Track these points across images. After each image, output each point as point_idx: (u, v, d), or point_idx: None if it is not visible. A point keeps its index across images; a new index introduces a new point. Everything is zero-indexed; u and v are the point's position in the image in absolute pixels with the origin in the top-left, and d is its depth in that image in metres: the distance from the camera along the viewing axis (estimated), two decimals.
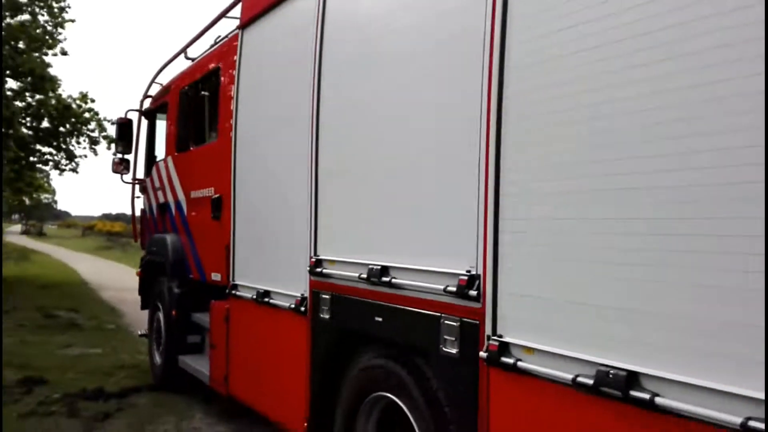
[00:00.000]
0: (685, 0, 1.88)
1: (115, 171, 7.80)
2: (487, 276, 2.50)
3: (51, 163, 20.85)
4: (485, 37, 2.55)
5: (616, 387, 1.95)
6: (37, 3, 17.58)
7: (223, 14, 5.62)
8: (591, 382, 2.03)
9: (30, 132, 19.14)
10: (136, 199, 8.02)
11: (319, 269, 3.69)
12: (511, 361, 2.35)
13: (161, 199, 7.05)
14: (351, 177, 3.51)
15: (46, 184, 36.58)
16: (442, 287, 2.70)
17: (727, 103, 1.76)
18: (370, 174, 3.35)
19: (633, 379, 1.94)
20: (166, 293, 6.56)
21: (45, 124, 19.45)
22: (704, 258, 1.80)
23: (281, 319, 4.15)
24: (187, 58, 6.68)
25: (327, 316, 3.68)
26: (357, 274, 3.31)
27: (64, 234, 62.49)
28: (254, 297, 4.48)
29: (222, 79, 5.56)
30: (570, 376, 2.11)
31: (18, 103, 17.89)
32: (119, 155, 7.85)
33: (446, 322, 2.72)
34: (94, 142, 20.50)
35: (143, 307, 7.62)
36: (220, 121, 5.51)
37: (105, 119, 20.32)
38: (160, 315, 6.84)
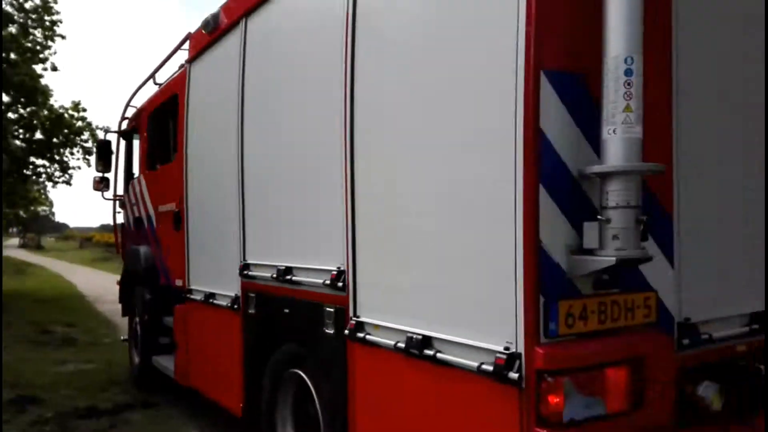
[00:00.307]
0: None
1: (95, 189, 8.54)
2: (349, 271, 3.32)
3: (44, 175, 20.67)
4: (342, 73, 3.29)
5: (416, 348, 2.75)
6: (29, 16, 17.44)
7: (177, 48, 6.21)
8: (403, 345, 2.86)
9: (23, 144, 18.97)
10: (117, 214, 8.72)
11: (246, 272, 4.46)
12: (362, 335, 3.20)
13: (136, 214, 7.64)
14: (262, 191, 4.33)
15: (42, 197, 36.47)
16: (321, 281, 3.52)
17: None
18: (273, 189, 4.16)
19: (426, 341, 2.73)
20: (140, 300, 7.11)
21: (38, 135, 19.29)
22: (464, 252, 2.53)
23: (222, 317, 4.89)
24: (155, 83, 7.26)
25: (253, 311, 4.44)
26: (270, 275, 4.10)
27: (62, 246, 62.30)
28: (203, 299, 5.24)
29: (178, 105, 6.00)
30: (392, 343, 2.95)
31: (10, 115, 17.74)
32: (99, 174, 8.55)
33: (326, 308, 3.52)
34: (87, 152, 20.32)
35: (124, 314, 8.29)
36: (178, 142, 5.98)
37: (98, 128, 20.14)
38: (137, 320, 7.45)
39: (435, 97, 2.69)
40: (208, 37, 5.12)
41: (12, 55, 16.39)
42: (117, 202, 8.61)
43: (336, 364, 3.44)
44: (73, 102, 20.24)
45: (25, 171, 19.80)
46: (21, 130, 18.84)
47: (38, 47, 17.74)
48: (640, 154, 2.22)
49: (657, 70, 2.44)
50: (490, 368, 2.32)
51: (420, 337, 2.74)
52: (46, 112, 18.84)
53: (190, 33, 5.84)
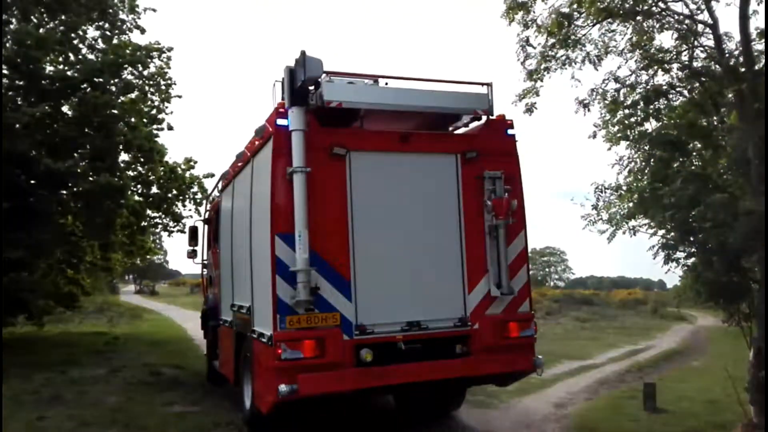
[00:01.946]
0: None
1: (188, 257, 12.56)
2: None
3: (160, 226, 21.84)
4: None
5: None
6: (146, 82, 18.83)
7: (214, 188, 11.70)
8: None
9: (141, 199, 20.25)
10: (204, 271, 12.46)
11: (233, 306, 8.50)
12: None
13: (210, 273, 11.53)
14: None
15: (156, 247, 38.51)
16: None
17: None
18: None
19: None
20: (207, 326, 11.26)
21: (154, 189, 20.50)
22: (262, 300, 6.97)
23: (228, 331, 9.03)
24: (218, 192, 10.89)
25: (232, 323, 8.66)
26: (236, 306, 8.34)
27: (174, 292, 65.30)
28: (224, 323, 9.51)
29: (218, 211, 10.45)
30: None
31: (129, 173, 19.01)
32: (190, 248, 12.56)
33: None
34: (197, 203, 21.36)
35: (204, 337, 12.02)
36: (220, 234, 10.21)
37: (204, 176, 21.04)
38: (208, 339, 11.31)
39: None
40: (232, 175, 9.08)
41: (133, 119, 17.67)
42: (202, 265, 12.36)
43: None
44: (185, 158, 21.30)
45: (143, 223, 21.05)
46: (139, 186, 20.14)
47: (154, 110, 19.05)
48: (307, 262, 6.26)
49: (336, 207, 6.61)
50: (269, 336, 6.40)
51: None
52: (161, 169, 20.08)
53: (222, 173, 10.20)
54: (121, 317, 28.79)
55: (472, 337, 6.81)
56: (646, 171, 10.98)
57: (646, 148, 10.78)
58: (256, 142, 7.33)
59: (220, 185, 10.44)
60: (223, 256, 9.65)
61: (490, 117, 7.23)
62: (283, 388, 6.01)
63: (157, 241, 37.73)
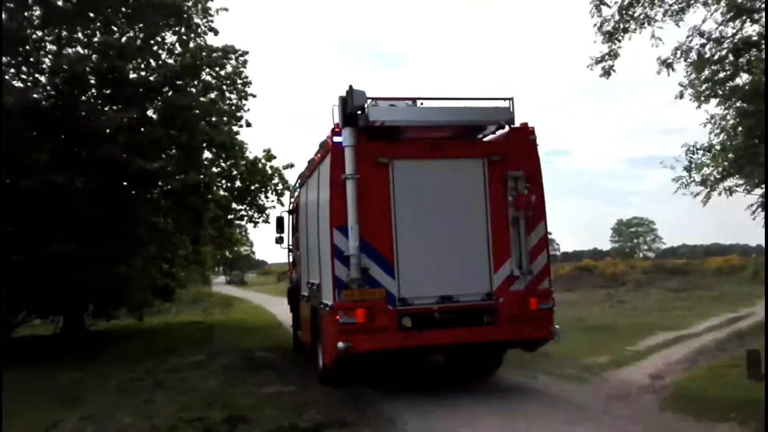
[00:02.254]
0: None
1: (276, 243, 14.21)
2: None
3: (245, 218, 22.47)
4: None
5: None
6: (223, 82, 19.35)
7: (298, 179, 12.55)
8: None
9: (226, 193, 20.95)
10: (290, 257, 14.18)
11: (308, 284, 10.30)
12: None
13: (294, 257, 13.52)
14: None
15: (243, 238, 39.78)
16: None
17: None
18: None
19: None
20: (291, 301, 13.42)
21: (237, 184, 21.16)
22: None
23: (305, 304, 10.60)
24: (298, 186, 12.71)
25: (308, 297, 10.39)
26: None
27: (262, 281, 67.59)
28: (303, 298, 11.14)
29: (297, 204, 12.62)
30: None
31: (214, 169, 19.69)
32: (277, 235, 14.22)
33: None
34: (279, 194, 21.86)
35: (291, 312, 13.79)
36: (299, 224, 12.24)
37: (284, 167, 21.49)
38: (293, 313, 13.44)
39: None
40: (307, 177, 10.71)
41: (213, 118, 18.25)
42: (288, 250, 14.03)
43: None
44: (264, 151, 21.78)
45: (229, 216, 21.78)
46: (223, 181, 20.84)
47: (233, 108, 19.58)
48: (358, 249, 7.95)
49: (382, 205, 8.21)
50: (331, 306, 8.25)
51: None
52: (243, 163, 20.65)
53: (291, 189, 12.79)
54: (214, 307, 30.06)
55: (497, 309, 8.25)
56: (740, 128, 10.34)
57: (739, 104, 10.15)
58: (320, 154, 9.32)
59: (298, 182, 12.34)
60: (301, 242, 11.87)
61: (512, 126, 8.48)
62: (340, 345, 7.84)
63: (244, 232, 38.93)
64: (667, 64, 9.80)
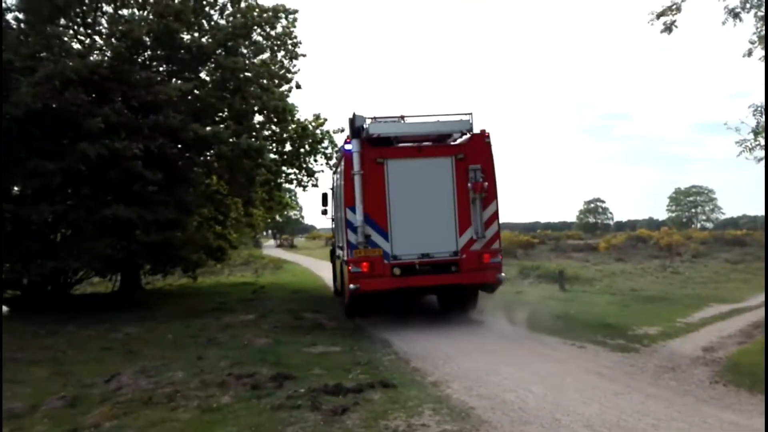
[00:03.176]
0: None
1: (322, 214, 17.65)
2: None
3: (295, 181, 22.66)
4: None
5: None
6: (274, 42, 19.36)
7: (335, 166, 16.42)
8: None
9: (276, 156, 21.12)
10: (332, 224, 17.11)
11: (338, 246, 15.01)
12: None
13: (334, 225, 16.16)
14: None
15: (293, 202, 40.22)
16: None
17: None
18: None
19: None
20: (332, 258, 17.40)
21: (287, 147, 21.32)
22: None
23: (338, 262, 14.71)
24: (333, 173, 16.44)
25: (339, 256, 14.72)
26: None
27: (310, 245, 68.48)
28: (337, 257, 15.16)
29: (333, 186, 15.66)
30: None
31: (265, 133, 19.84)
32: (323, 208, 17.58)
33: None
34: (328, 158, 21.94)
35: (331, 263, 18.04)
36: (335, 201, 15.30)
37: (334, 132, 21.60)
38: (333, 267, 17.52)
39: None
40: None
41: (264, 81, 18.33)
42: (331, 219, 16.86)
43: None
44: (314, 115, 21.89)
45: (279, 180, 22.03)
46: (274, 145, 20.97)
47: (283, 70, 19.61)
48: (363, 220, 11.69)
49: (379, 191, 11.86)
50: (346, 261, 12.26)
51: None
52: (293, 126, 20.75)
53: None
54: (264, 269, 30.73)
55: (460, 262, 11.91)
56: None
57: None
58: (340, 153, 13.53)
59: (334, 170, 16.40)
60: (335, 215, 15.95)
61: (473, 132, 12.14)
62: (351, 286, 11.65)
63: (293, 197, 39.17)
64: (734, 14, 9.27)
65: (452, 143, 12.68)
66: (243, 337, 10.61)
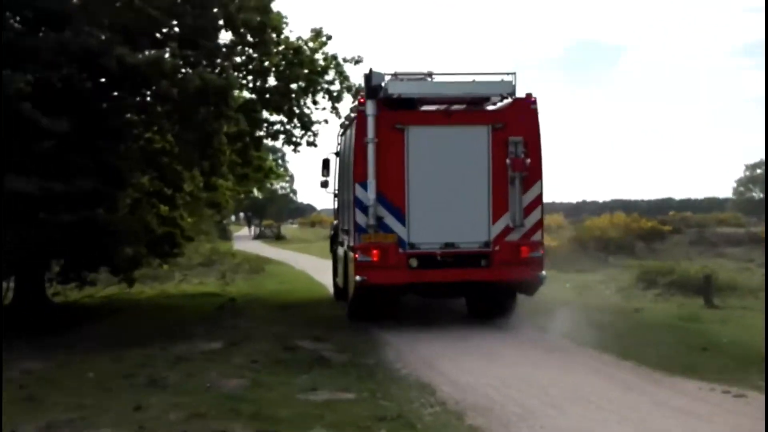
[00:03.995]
0: None
1: (321, 187, 19.88)
2: None
3: (282, 136, 22.45)
4: None
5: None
6: None
7: (341, 128, 19.50)
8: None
9: (253, 96, 20.90)
10: (335, 203, 20.28)
11: (342, 230, 18.11)
12: None
13: (339, 203, 19.23)
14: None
15: (280, 168, 39.82)
16: None
17: None
18: None
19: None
20: (331, 246, 21.01)
21: (271, 81, 21.11)
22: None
23: (341, 249, 17.96)
24: (340, 134, 19.29)
25: (343, 242, 18.17)
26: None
27: (307, 235, 68.70)
28: (340, 243, 18.24)
29: (339, 152, 19.38)
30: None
31: (236, 60, 19.58)
32: (323, 178, 19.63)
33: None
34: (335, 98, 21.77)
35: (331, 252, 21.17)
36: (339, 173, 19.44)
37: (345, 60, 21.48)
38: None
39: None
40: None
41: None
42: (333, 195, 19.72)
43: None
44: (312, 30, 21.43)
45: (258, 133, 21.83)
46: (249, 78, 20.71)
47: None
48: (375, 199, 14.51)
49: (397, 164, 14.67)
50: (352, 247, 15.38)
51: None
52: (280, 49, 20.51)
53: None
54: (236, 272, 30.88)
55: (492, 255, 14.41)
56: None
57: None
58: (353, 115, 15.90)
59: (342, 129, 19.09)
60: (338, 190, 19.25)
61: (515, 97, 14.45)
62: (357, 278, 13.93)
63: (280, 160, 38.94)
64: None
65: (490, 109, 15.21)
66: (204, 377, 10.68)
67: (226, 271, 30.68)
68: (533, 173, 14.38)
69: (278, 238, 69.46)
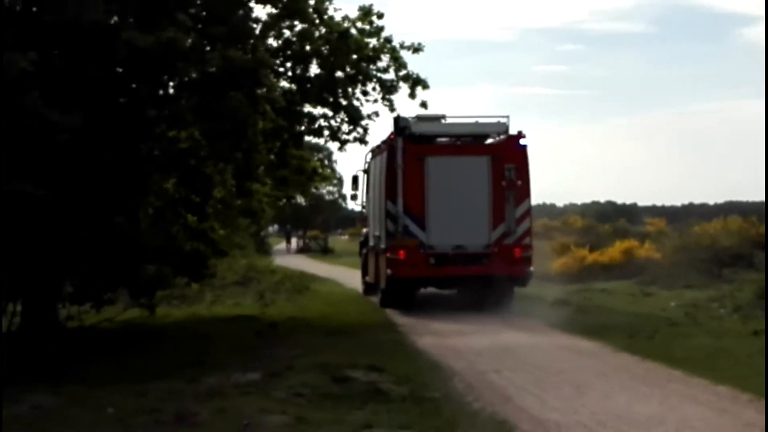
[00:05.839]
0: None
1: (351, 200, 32.29)
2: None
3: (327, 132, 22.69)
4: None
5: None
6: None
7: (368, 153, 29.43)
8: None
9: (292, 86, 20.97)
10: (363, 213, 31.38)
11: (374, 236, 27.62)
12: None
13: (366, 213, 30.13)
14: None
15: (326, 169, 39.28)
16: None
17: None
18: None
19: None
20: (361, 250, 32.13)
21: (313, 69, 21.22)
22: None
23: (372, 251, 27.86)
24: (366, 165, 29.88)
25: (374, 246, 28.25)
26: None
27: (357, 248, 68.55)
28: (370, 248, 28.06)
29: (368, 171, 29.90)
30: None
31: (271, 42, 19.55)
32: (353, 192, 30.86)
33: None
34: (388, 89, 21.84)
35: (360, 256, 32.27)
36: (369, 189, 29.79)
37: (402, 46, 21.50)
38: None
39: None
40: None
41: None
42: (362, 206, 30.24)
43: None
44: (360, 9, 21.41)
45: (297, 127, 21.90)
46: (287, 64, 20.81)
47: None
48: (402, 211, 24.07)
49: (419, 185, 24.29)
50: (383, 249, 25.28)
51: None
52: (323, 32, 20.59)
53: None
54: (277, 292, 30.91)
55: (492, 255, 23.12)
56: None
57: None
58: (383, 147, 25.00)
59: (370, 153, 27.69)
60: (370, 203, 27.90)
61: (509, 134, 23.68)
62: (388, 272, 23.41)
63: (327, 161, 38.91)
64: None
65: (489, 143, 24.30)
66: (240, 413, 10.69)
67: (265, 291, 30.64)
68: (523, 192, 23.34)
69: (325, 251, 69.72)
